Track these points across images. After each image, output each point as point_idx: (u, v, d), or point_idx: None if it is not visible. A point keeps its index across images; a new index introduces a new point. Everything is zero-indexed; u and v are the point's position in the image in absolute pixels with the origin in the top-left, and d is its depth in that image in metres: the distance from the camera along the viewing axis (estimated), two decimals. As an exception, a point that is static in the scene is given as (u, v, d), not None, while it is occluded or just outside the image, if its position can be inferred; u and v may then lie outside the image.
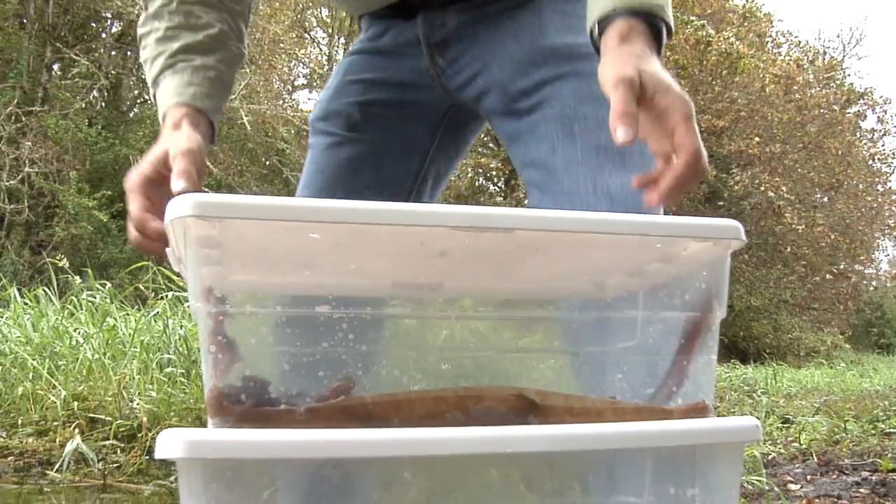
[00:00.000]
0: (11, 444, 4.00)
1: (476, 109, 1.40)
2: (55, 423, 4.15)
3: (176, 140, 1.17)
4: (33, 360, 4.65)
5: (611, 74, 0.98)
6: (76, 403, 4.22)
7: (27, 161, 11.86)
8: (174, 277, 5.28)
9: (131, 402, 4.20)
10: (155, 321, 4.99)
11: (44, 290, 5.67)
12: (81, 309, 5.39)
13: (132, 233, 1.14)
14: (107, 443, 3.94)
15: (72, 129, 12.47)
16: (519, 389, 0.75)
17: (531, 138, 1.26)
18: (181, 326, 4.76)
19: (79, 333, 5.01)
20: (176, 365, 4.50)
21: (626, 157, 1.17)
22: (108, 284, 5.58)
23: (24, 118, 12.45)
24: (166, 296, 5.18)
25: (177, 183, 1.10)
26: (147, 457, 3.84)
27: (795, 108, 19.11)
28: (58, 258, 5.80)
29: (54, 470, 3.72)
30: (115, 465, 3.81)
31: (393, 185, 1.41)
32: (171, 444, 0.65)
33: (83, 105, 13.13)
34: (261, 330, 0.76)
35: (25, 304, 5.49)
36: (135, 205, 1.13)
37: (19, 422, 4.20)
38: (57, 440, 4.00)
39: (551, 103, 1.24)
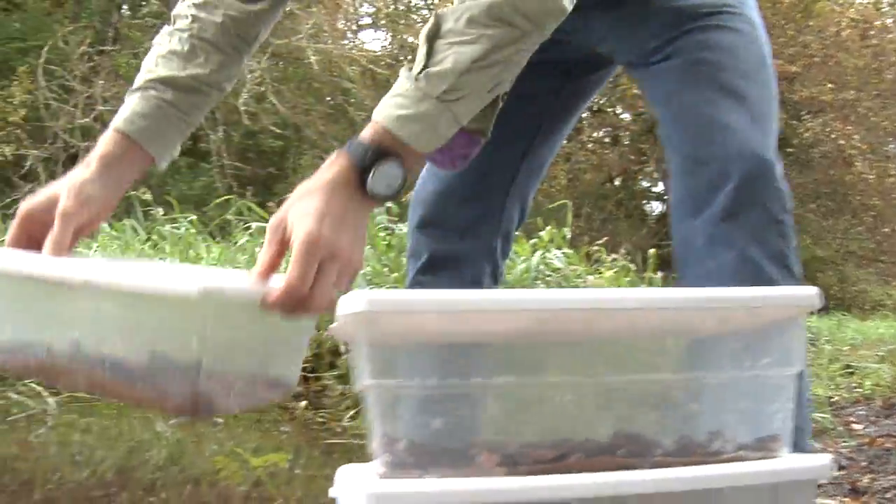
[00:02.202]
0: None
1: (609, 58, 1.55)
2: None
3: (69, 189, 1.19)
4: None
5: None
6: None
7: (100, 99, 11.81)
8: (257, 209, 5.42)
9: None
10: (240, 252, 5.14)
11: (130, 222, 5.94)
12: (165, 240, 5.61)
13: None
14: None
15: (143, 69, 12.65)
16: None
17: (659, 82, 1.42)
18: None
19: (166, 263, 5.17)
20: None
21: (745, 98, 1.34)
22: (192, 217, 5.79)
23: (96, 58, 12.41)
24: (250, 226, 5.33)
25: (46, 247, 1.15)
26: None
27: (872, 53, 18.39)
28: (141, 191, 5.97)
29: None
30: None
31: (514, 136, 1.53)
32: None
33: (153, 44, 13.30)
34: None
35: (113, 235, 5.74)
36: (9, 234, 1.20)
37: None
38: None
39: (678, 53, 1.38)
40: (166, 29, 1.38)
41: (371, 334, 0.81)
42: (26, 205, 1.21)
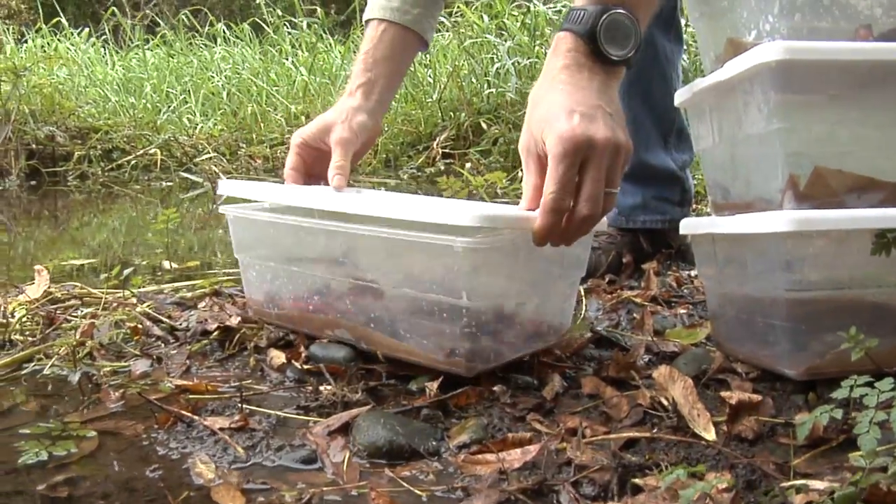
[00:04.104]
0: (255, 152, 4.50)
1: None
2: (286, 137, 4.55)
3: (343, 118, 1.29)
4: (255, 81, 5.13)
5: None
6: (302, 118, 4.67)
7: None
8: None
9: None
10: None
11: (248, 26, 6.21)
12: (284, 42, 5.81)
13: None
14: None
15: None
16: None
17: None
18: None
19: (289, 62, 5.43)
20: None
21: None
22: (305, 21, 6.01)
23: None
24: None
25: (332, 179, 1.25)
26: (384, 156, 4.26)
27: None
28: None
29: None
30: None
31: None
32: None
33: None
34: None
35: (236, 37, 6.14)
36: (288, 161, 1.32)
37: (254, 137, 4.69)
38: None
39: None
40: None
41: None
42: (300, 134, 1.32)
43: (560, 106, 0.91)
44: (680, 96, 1.12)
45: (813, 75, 0.89)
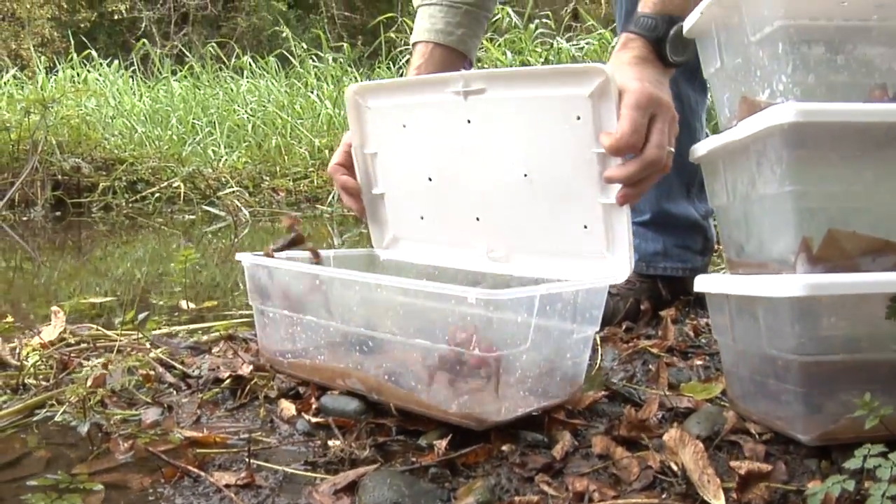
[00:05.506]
0: (278, 185, 4.62)
1: None
2: (310, 171, 4.76)
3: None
4: (280, 114, 5.24)
5: None
6: (326, 152, 4.81)
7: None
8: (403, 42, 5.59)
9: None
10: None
11: (274, 59, 6.31)
12: (310, 75, 5.92)
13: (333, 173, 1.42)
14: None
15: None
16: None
17: None
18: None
19: (314, 95, 5.53)
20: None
21: None
22: (331, 55, 6.15)
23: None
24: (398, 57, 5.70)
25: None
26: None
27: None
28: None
29: (326, 204, 4.36)
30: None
31: None
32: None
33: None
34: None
35: (263, 70, 6.26)
36: (335, 156, 1.40)
37: (277, 170, 4.80)
38: (315, 182, 4.66)
39: None
40: None
41: None
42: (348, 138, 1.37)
43: (631, 77, 1.09)
44: (695, 152, 1.11)
45: (826, 137, 0.88)
